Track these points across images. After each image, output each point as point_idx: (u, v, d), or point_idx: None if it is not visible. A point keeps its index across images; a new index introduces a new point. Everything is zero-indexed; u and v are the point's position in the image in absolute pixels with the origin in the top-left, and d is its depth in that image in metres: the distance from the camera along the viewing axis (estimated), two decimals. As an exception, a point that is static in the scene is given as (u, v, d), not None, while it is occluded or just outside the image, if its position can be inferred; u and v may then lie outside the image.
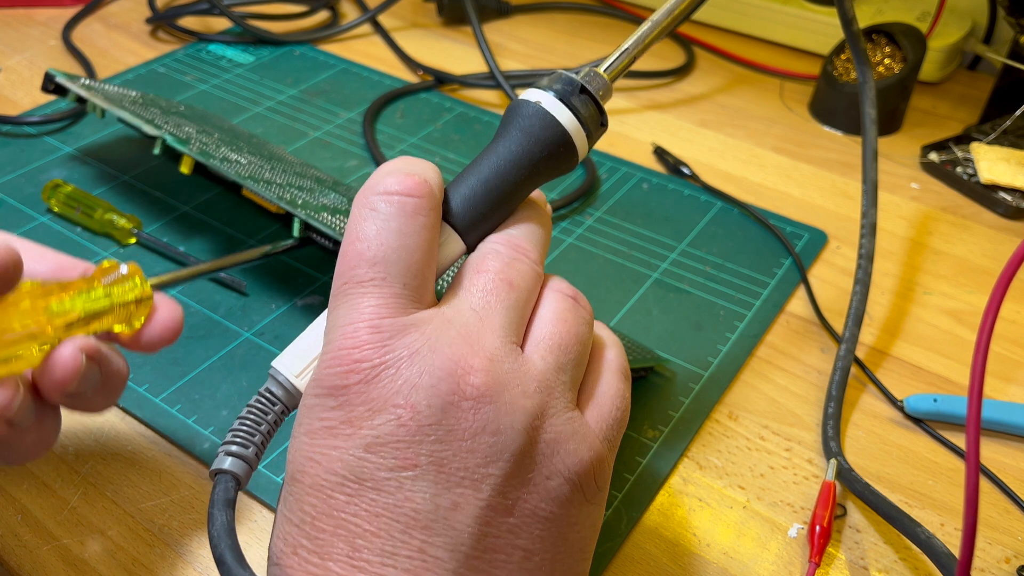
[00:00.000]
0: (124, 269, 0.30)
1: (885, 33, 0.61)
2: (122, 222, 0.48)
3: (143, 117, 0.48)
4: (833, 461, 0.38)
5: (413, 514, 0.22)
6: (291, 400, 0.26)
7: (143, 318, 0.30)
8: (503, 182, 0.27)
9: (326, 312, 0.26)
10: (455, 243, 0.27)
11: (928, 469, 0.39)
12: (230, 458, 0.25)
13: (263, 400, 0.26)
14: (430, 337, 0.23)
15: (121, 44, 0.70)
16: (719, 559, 0.35)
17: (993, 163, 0.56)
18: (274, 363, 0.27)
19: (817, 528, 0.35)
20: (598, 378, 0.27)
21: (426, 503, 0.22)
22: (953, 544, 0.35)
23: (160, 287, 0.33)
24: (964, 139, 0.59)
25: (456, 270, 0.27)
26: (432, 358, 0.23)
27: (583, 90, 0.28)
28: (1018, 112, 0.59)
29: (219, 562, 0.22)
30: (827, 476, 0.37)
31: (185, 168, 0.45)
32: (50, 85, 0.51)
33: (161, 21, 0.72)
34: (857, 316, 0.44)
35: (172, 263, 0.48)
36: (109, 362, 0.28)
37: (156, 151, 0.45)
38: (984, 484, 0.38)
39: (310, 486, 0.23)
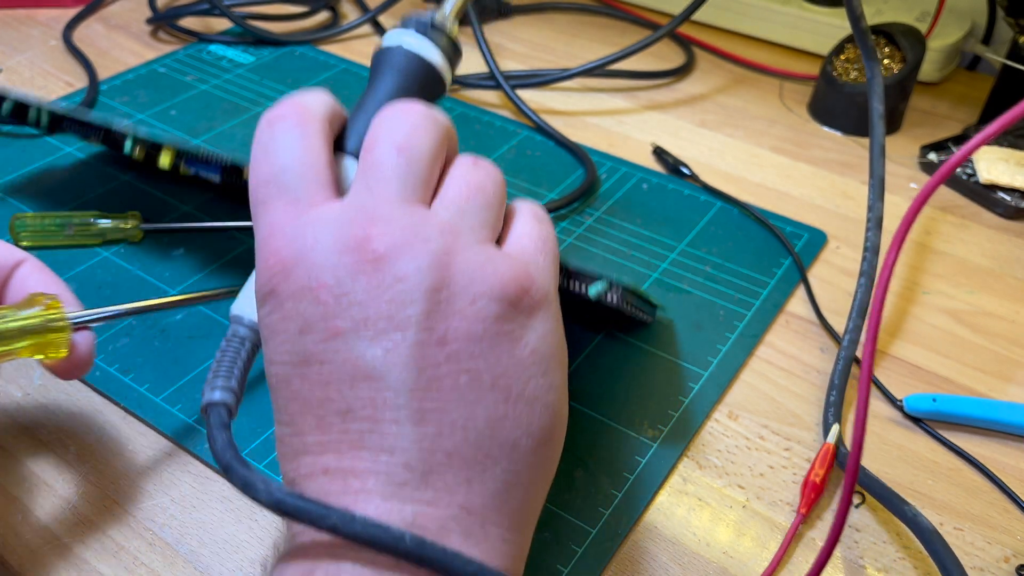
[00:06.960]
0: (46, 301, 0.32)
1: (884, 33, 0.61)
2: (102, 224, 0.48)
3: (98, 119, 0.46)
4: (836, 426, 0.38)
5: (354, 371, 0.24)
6: (256, 337, 0.29)
7: (63, 350, 0.32)
8: None
9: None
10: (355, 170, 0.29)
11: (928, 469, 0.39)
12: (217, 391, 0.27)
13: (231, 343, 0.28)
14: (329, 222, 0.26)
15: (122, 44, 0.70)
16: (719, 559, 0.35)
17: (992, 163, 0.56)
18: (232, 309, 0.29)
19: (810, 482, 0.36)
20: (511, 223, 0.29)
21: (362, 358, 0.24)
22: (953, 543, 0.35)
23: (101, 320, 0.34)
24: (963, 139, 0.60)
25: None
26: (333, 240, 0.25)
27: (435, 25, 0.32)
28: (1017, 112, 0.59)
29: (227, 469, 0.24)
30: (828, 439, 0.38)
31: (166, 160, 0.45)
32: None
33: (161, 21, 0.72)
34: (861, 307, 0.44)
35: (170, 261, 0.48)
36: None
37: (127, 150, 0.45)
38: (984, 484, 0.38)
39: (276, 386, 0.26)
